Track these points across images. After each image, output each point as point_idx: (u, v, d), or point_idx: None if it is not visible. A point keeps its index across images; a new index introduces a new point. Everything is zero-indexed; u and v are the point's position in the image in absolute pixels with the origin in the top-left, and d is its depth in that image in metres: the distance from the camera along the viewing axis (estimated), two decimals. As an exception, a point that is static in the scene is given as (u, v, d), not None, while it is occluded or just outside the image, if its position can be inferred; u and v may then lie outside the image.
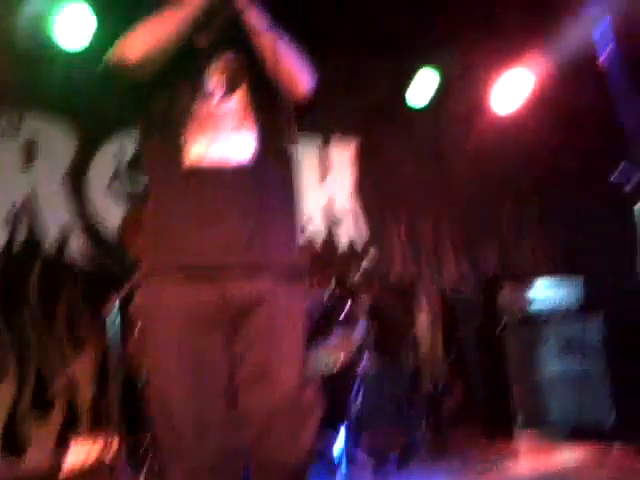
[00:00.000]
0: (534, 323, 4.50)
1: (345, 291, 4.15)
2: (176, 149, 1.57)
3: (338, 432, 3.32)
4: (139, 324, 1.43)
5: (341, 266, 4.49)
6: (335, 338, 3.72)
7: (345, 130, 5.77)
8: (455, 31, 4.87)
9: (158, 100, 1.58)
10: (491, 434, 4.48)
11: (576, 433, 4.11)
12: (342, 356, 3.72)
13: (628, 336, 4.27)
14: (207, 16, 1.57)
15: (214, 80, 1.62)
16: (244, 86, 1.66)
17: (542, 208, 6.18)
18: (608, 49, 1.95)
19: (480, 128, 5.81)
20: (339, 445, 3.28)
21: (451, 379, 5.41)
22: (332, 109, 5.52)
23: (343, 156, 5.82)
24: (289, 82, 1.63)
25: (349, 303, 3.92)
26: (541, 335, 4.41)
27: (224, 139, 1.58)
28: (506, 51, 5.16)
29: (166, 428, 1.55)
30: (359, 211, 5.74)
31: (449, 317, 5.67)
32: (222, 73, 1.64)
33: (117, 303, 3.32)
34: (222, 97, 1.62)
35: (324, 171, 5.71)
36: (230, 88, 1.63)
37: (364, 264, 4.95)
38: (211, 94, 1.61)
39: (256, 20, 1.59)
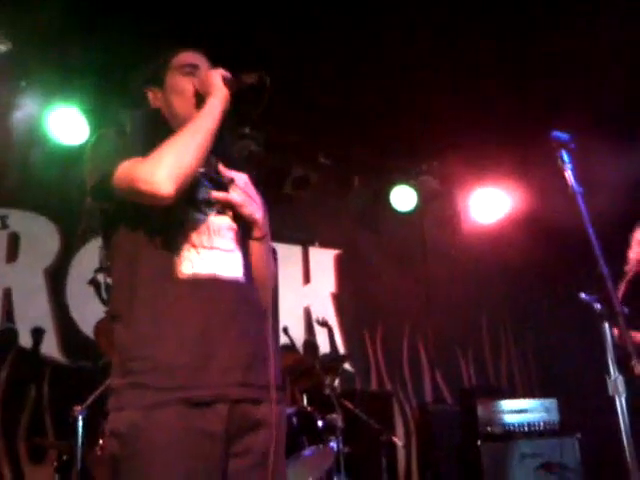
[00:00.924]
0: (510, 440, 4.43)
1: (317, 406, 4.06)
2: (170, 260, 1.55)
3: None
4: (114, 442, 1.30)
5: (317, 377, 4.41)
6: (305, 457, 3.59)
7: (326, 238, 5.89)
8: (435, 147, 5.15)
9: (156, 210, 1.53)
10: None
11: None
12: (312, 475, 3.59)
13: (604, 457, 4.23)
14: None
15: (209, 195, 1.64)
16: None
17: (516, 331, 6.28)
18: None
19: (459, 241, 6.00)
20: None
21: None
22: (314, 218, 5.72)
23: (324, 264, 5.89)
24: (262, 281, 1.73)
25: (321, 419, 3.81)
26: (517, 454, 4.34)
27: (218, 255, 1.59)
28: (484, 169, 5.41)
29: None
30: (337, 321, 5.73)
31: (426, 432, 5.54)
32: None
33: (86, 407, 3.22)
34: (216, 214, 1.64)
35: (305, 278, 5.76)
36: (223, 206, 1.66)
37: (339, 375, 4.90)
38: (206, 209, 1.63)
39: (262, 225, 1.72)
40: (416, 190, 5.86)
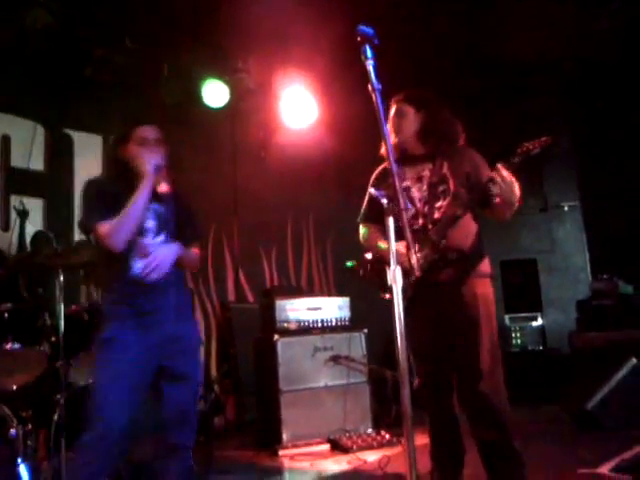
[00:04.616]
0: (305, 335, 4.66)
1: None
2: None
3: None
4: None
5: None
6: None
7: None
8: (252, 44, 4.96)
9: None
10: (259, 450, 4.51)
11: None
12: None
13: (386, 347, 4.64)
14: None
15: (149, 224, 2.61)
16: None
17: (318, 234, 6.50)
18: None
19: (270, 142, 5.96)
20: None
21: (223, 396, 5.37)
22: (116, 108, 5.30)
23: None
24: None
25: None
26: (311, 347, 4.59)
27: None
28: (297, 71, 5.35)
29: None
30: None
31: (226, 329, 5.65)
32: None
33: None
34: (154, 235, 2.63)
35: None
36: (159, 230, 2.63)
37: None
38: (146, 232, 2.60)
39: None
40: (229, 87, 5.66)
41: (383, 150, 2.68)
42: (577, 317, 5.67)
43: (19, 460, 2.93)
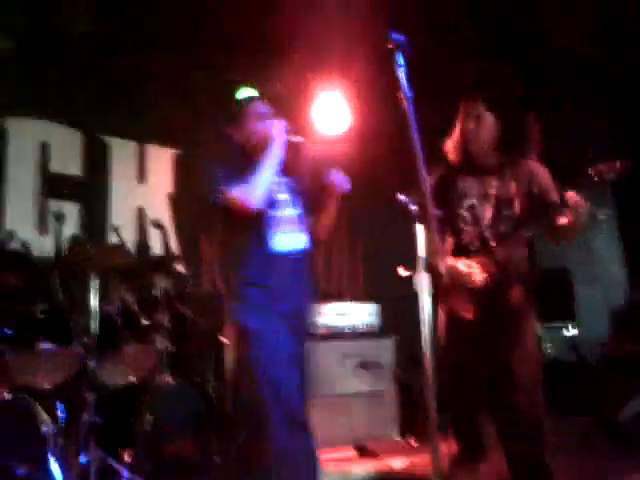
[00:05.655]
0: (334, 341, 4.67)
1: (146, 305, 3.97)
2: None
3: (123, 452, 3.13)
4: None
5: (147, 277, 4.29)
6: (127, 355, 3.52)
7: (165, 136, 5.60)
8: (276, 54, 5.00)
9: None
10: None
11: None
12: (133, 372, 3.56)
13: (416, 355, 4.59)
14: None
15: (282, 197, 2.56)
16: None
17: (349, 239, 6.49)
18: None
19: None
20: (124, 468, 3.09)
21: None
22: (151, 115, 5.39)
23: (160, 165, 5.63)
24: None
25: (147, 318, 3.74)
26: (339, 353, 4.60)
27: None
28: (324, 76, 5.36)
29: None
30: (172, 222, 5.57)
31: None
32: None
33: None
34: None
35: (139, 179, 5.49)
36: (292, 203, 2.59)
37: (171, 277, 4.79)
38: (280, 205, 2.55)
39: None
40: (260, 92, 5.70)
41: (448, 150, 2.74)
42: (611, 328, 5.56)
43: (51, 458, 3.00)
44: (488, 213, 2.70)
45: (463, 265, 2.56)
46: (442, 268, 2.07)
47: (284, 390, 2.31)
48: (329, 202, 2.64)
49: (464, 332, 2.62)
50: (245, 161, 2.48)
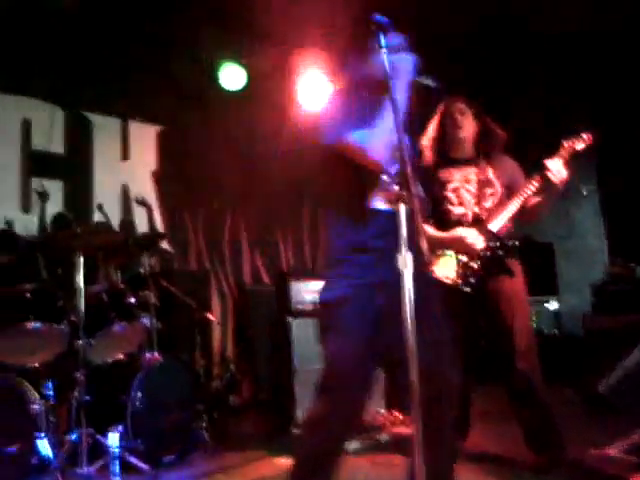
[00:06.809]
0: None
1: (132, 282, 3.99)
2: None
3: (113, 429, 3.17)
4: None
5: (132, 255, 4.29)
6: (114, 332, 3.54)
7: (148, 113, 5.56)
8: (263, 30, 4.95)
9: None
10: (273, 428, 4.59)
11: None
12: (121, 350, 3.59)
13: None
14: None
15: None
16: None
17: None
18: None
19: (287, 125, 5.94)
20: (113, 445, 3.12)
21: (239, 375, 5.46)
22: (134, 91, 5.34)
23: (144, 142, 5.60)
24: None
25: (133, 296, 3.75)
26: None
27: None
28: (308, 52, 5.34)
29: None
30: (157, 200, 5.56)
31: (243, 310, 5.72)
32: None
33: None
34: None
35: (123, 156, 5.46)
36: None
37: (157, 255, 4.80)
38: None
39: None
40: (246, 70, 5.66)
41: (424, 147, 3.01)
42: (592, 301, 5.66)
43: (41, 435, 3.03)
44: (473, 192, 3.01)
45: (465, 232, 2.88)
46: (423, 247, 2.09)
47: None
48: None
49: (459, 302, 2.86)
50: (367, 100, 2.08)
